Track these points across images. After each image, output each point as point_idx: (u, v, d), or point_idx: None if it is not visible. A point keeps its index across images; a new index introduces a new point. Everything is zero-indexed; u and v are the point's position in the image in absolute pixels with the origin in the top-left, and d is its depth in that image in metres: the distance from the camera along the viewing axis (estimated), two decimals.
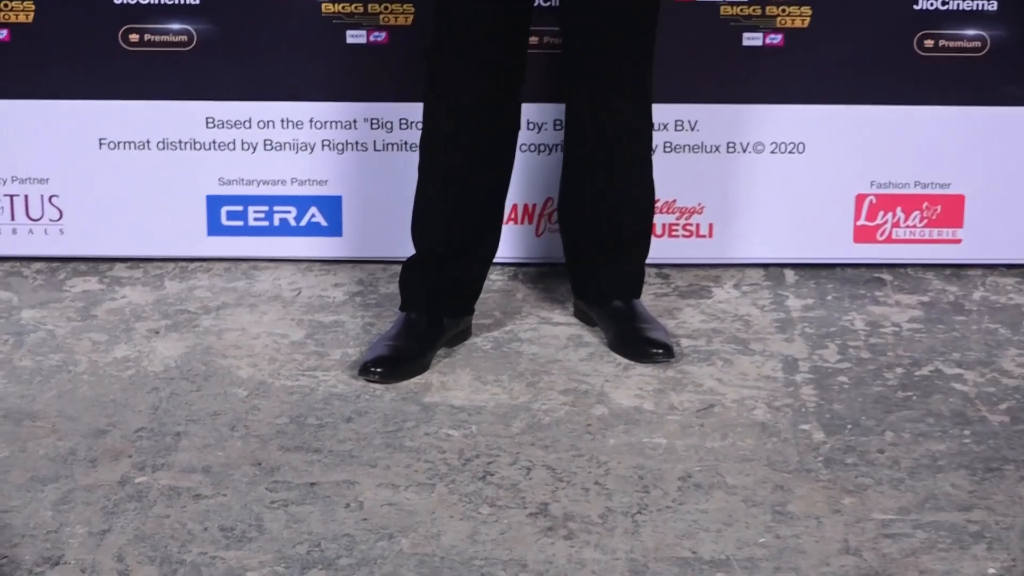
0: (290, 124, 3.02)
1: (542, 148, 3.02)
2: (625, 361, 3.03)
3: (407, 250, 3.10)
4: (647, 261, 3.06)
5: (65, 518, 2.42)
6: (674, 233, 3.20)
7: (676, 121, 3.04)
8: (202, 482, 2.57)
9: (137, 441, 2.73)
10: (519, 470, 2.63)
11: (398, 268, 3.22)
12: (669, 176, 3.10)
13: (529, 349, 2.95)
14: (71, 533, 2.40)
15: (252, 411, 2.86)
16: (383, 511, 2.49)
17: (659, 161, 3.16)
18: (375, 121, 3.03)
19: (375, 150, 3.04)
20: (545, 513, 2.49)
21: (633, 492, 2.54)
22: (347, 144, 3.04)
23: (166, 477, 2.59)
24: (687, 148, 3.03)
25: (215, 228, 3.08)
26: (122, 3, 2.95)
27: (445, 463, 2.65)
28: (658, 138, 3.17)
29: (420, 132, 2.76)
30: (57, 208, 3.14)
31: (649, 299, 3.20)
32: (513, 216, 3.00)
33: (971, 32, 3.19)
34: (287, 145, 3.02)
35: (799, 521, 2.46)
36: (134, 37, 3.02)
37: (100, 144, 3.04)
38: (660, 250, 3.11)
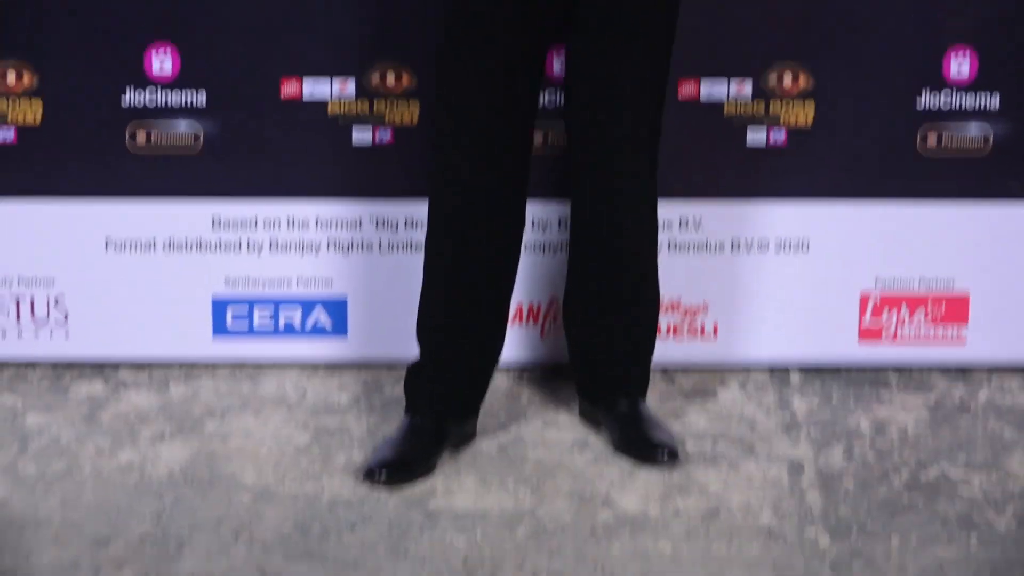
0: (296, 224, 3.01)
1: (547, 248, 3.02)
2: (630, 464, 2.99)
3: (412, 352, 3.14)
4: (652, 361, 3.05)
5: None
6: (679, 334, 3.20)
7: (680, 219, 3.05)
8: None
9: (140, 549, 2.71)
10: None
11: (403, 371, 3.25)
12: (673, 275, 3.12)
13: (534, 453, 2.98)
14: None
15: (256, 518, 2.84)
16: None
17: (663, 260, 3.16)
18: (380, 221, 3.03)
19: (380, 250, 3.04)
20: None
21: None
22: (352, 244, 3.03)
23: None
24: (691, 247, 3.03)
25: (220, 329, 3.08)
26: (129, 105, 2.96)
27: (450, 570, 2.61)
28: (662, 237, 3.18)
29: (425, 231, 2.71)
30: (63, 310, 3.21)
31: (654, 400, 3.35)
32: (518, 317, 3.00)
33: (974, 129, 3.20)
34: (292, 245, 3.00)
35: None
36: (141, 138, 3.03)
37: (106, 245, 3.10)
38: (664, 352, 3.22)
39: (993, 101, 3.22)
